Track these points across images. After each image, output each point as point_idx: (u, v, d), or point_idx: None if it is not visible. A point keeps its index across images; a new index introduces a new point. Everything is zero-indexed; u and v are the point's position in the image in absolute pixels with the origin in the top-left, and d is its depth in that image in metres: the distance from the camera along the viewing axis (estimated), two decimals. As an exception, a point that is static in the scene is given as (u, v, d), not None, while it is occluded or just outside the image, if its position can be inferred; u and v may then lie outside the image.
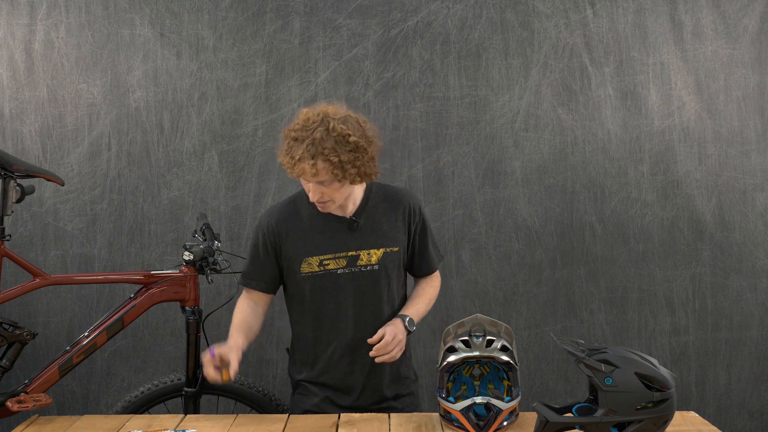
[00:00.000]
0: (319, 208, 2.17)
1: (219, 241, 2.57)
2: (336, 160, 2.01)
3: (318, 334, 2.25)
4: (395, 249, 2.23)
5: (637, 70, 3.34)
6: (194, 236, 2.61)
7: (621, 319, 3.35)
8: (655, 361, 1.79)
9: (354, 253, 2.19)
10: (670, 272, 3.35)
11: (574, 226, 3.34)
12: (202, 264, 2.49)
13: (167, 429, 2.01)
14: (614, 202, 3.34)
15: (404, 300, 2.32)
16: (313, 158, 2.01)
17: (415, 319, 2.23)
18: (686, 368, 3.36)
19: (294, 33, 3.29)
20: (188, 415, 2.19)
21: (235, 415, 2.12)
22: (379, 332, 2.14)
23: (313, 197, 2.11)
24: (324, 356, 2.25)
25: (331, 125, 2.03)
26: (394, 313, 2.25)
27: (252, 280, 2.27)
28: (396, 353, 2.12)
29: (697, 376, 3.37)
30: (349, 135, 2.03)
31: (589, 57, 3.33)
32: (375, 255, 2.20)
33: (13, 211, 2.43)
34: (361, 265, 2.19)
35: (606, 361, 1.74)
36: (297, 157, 2.03)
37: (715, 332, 3.37)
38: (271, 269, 2.25)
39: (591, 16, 3.33)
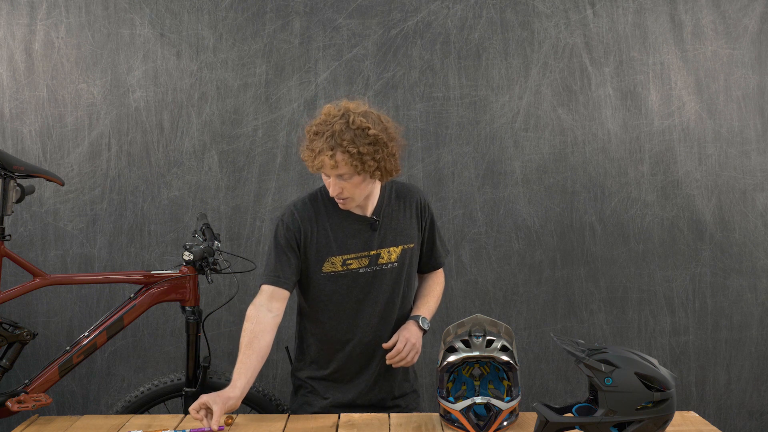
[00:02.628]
0: (340, 205, 2.16)
1: (219, 241, 2.57)
2: (355, 151, 2.02)
3: (335, 334, 2.24)
4: (411, 246, 2.26)
5: (637, 70, 3.34)
6: (194, 236, 2.61)
7: (621, 319, 3.35)
8: (655, 361, 1.79)
9: (375, 252, 2.20)
10: (670, 272, 3.35)
11: (574, 226, 3.34)
12: (202, 264, 2.49)
13: (167, 429, 2.01)
14: (614, 202, 3.34)
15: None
16: (332, 150, 2.02)
17: (428, 318, 2.29)
18: (686, 368, 3.36)
19: (294, 33, 3.29)
20: (188, 415, 2.19)
21: (235, 415, 2.12)
22: (393, 338, 2.18)
23: (332, 192, 2.10)
24: (340, 355, 2.25)
25: (351, 118, 2.04)
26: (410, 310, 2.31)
27: (280, 277, 2.16)
28: (411, 357, 2.17)
29: (697, 376, 3.37)
30: (369, 128, 2.05)
31: (589, 57, 3.33)
32: (395, 253, 2.22)
33: (13, 211, 2.42)
34: (381, 264, 2.21)
35: (606, 361, 1.74)
36: (317, 150, 2.04)
37: (715, 332, 3.37)
38: (297, 266, 2.19)
39: (591, 16, 3.33)
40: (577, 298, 3.34)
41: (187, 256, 2.47)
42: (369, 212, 2.22)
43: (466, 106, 3.32)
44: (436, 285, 2.40)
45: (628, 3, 3.34)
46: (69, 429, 2.06)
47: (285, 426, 2.05)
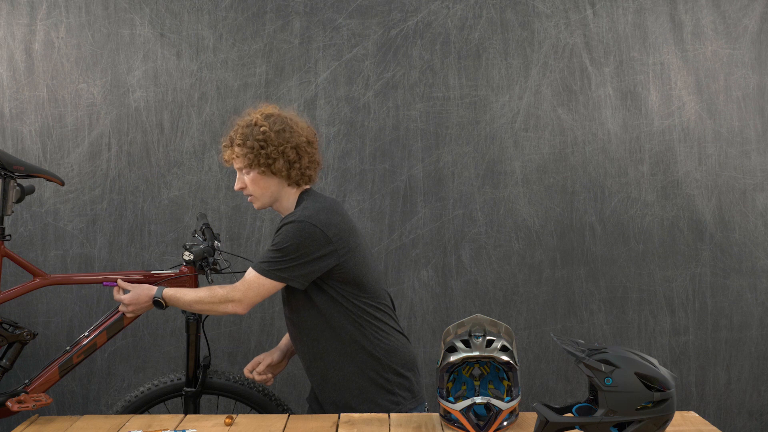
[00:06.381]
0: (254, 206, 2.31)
1: (219, 241, 2.56)
2: (242, 143, 2.20)
3: None
4: None
5: (637, 70, 3.34)
6: (194, 236, 2.61)
7: (621, 319, 3.35)
8: (655, 361, 1.79)
9: None
10: (670, 272, 3.35)
11: (574, 226, 3.34)
12: (202, 264, 2.49)
13: (167, 429, 2.01)
14: (614, 202, 3.34)
15: (344, 315, 2.21)
16: (231, 142, 2.25)
17: (168, 302, 2.25)
18: (686, 368, 3.36)
19: (294, 33, 3.29)
20: (188, 415, 2.19)
21: (235, 415, 2.12)
22: (130, 288, 2.29)
23: (236, 185, 2.28)
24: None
25: (254, 118, 2.24)
26: (315, 325, 2.21)
27: None
28: (116, 298, 2.29)
29: (697, 376, 3.37)
30: (262, 126, 2.21)
31: (589, 57, 3.33)
32: None
33: (13, 211, 2.42)
34: None
35: (606, 361, 1.74)
36: (223, 145, 2.29)
37: (715, 332, 3.37)
38: None
39: (591, 16, 3.33)
40: (577, 298, 3.34)
41: (187, 256, 2.46)
42: None
43: (466, 106, 3.32)
44: (210, 288, 2.24)
45: (628, 3, 3.34)
46: (69, 429, 2.06)
47: (285, 426, 2.05)
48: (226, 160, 2.29)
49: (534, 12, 3.32)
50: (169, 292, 2.25)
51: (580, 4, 3.33)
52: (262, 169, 2.20)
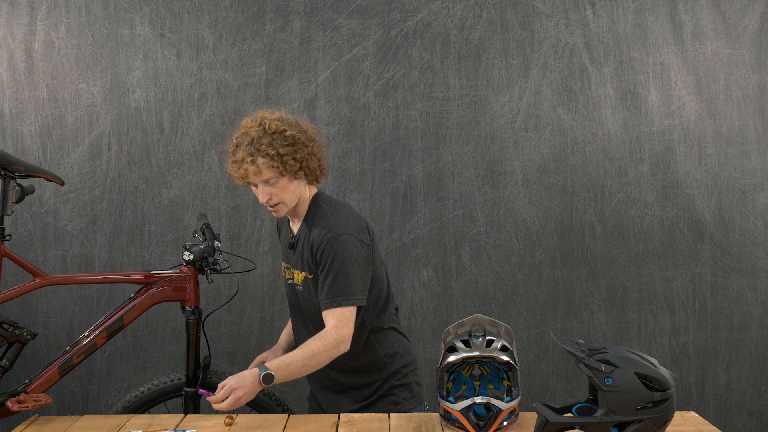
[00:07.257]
0: (274, 215, 2.21)
1: (219, 241, 2.56)
2: (274, 153, 2.07)
3: (295, 335, 2.40)
4: (311, 276, 2.18)
5: (637, 70, 3.34)
6: (194, 236, 2.61)
7: (621, 319, 3.35)
8: (655, 361, 1.79)
9: (291, 269, 2.27)
10: (670, 272, 3.35)
11: (574, 226, 3.34)
12: (202, 264, 2.49)
13: (167, 429, 2.01)
14: (614, 202, 3.34)
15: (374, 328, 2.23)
16: (252, 156, 2.08)
17: (278, 374, 2.00)
18: (686, 368, 3.36)
19: (294, 33, 3.29)
20: (188, 415, 2.19)
21: (235, 415, 2.12)
22: (220, 385, 2.02)
23: (262, 200, 2.15)
24: None
25: (267, 124, 2.11)
26: None
27: None
28: (226, 405, 1.98)
29: (697, 376, 3.37)
30: (285, 130, 2.11)
31: (589, 57, 3.33)
32: (299, 276, 2.23)
33: (13, 211, 2.42)
34: (294, 282, 2.26)
35: (606, 361, 1.74)
36: (240, 160, 2.11)
37: (715, 332, 3.37)
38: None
39: (591, 16, 3.33)
40: (577, 298, 3.34)
41: (187, 256, 2.46)
42: (296, 230, 2.26)
43: (466, 106, 3.32)
44: (312, 339, 2.08)
45: (628, 3, 3.34)
46: (69, 429, 2.06)
47: (285, 426, 2.05)
48: (242, 177, 2.12)
49: (534, 12, 3.32)
50: (275, 363, 2.03)
51: (580, 4, 3.33)
52: (293, 173, 2.11)
